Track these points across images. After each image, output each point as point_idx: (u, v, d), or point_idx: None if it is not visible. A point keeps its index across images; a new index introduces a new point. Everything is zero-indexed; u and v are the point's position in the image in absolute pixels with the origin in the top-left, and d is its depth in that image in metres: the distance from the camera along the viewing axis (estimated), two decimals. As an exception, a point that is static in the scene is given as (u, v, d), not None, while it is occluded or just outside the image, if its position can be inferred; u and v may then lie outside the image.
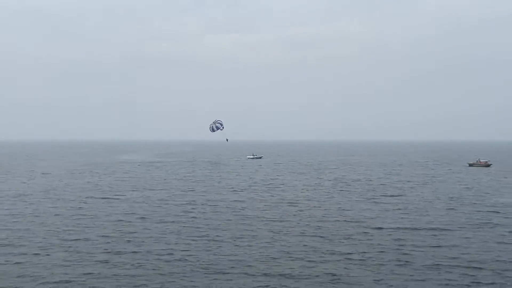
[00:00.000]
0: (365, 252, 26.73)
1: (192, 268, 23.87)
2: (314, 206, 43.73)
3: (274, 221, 36.40)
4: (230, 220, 36.80)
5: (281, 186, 62.60)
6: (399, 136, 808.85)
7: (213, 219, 36.94)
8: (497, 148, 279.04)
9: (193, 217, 38.04)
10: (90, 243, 28.95)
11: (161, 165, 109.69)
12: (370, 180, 70.63)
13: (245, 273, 23.02)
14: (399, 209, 42.06)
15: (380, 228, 33.35)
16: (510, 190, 57.80)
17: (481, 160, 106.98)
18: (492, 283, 21.56)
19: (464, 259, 25.39)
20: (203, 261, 25.00)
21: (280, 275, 22.73)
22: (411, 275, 22.65)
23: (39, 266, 24.23)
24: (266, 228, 33.71)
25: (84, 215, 38.89)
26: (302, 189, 58.85)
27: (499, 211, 40.72)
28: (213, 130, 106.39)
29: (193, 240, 29.88)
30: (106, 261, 24.99)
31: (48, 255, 26.35)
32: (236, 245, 28.46)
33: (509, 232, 32.26)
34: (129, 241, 29.58)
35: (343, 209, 41.89)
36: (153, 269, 23.63)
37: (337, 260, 25.17)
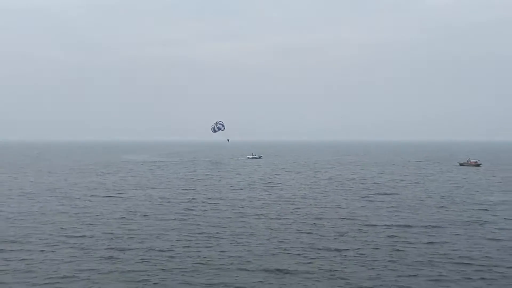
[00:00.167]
0: (359, 249, 26.72)
1: (193, 263, 23.82)
2: (310, 204, 43.71)
3: (272, 218, 36.37)
4: (230, 217, 36.77)
5: (279, 185, 62.56)
6: (397, 136, 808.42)
7: (213, 217, 36.90)
8: (490, 148, 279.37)
9: (194, 214, 38.00)
10: (95, 240, 28.89)
11: (163, 164, 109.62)
12: (365, 179, 70.64)
13: (244, 269, 22.99)
14: (392, 207, 42.06)
15: (374, 226, 33.34)
16: (499, 188, 57.86)
17: (471, 160, 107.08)
18: (482, 278, 21.57)
19: (455, 255, 25.39)
20: (204, 257, 24.97)
21: (278, 270, 22.71)
22: (403, 271, 22.64)
23: (45, 262, 24.17)
24: (264, 225, 33.68)
25: (89, 212, 38.83)
26: (299, 188, 58.82)
27: (488, 209, 40.74)
28: (214, 131, 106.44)
29: (194, 236, 29.84)
30: (110, 257, 24.94)
31: (54, 251, 26.30)
32: (236, 242, 28.42)
33: (498, 229, 32.28)
34: (132, 237, 29.53)
35: (339, 207, 41.87)
36: (155, 265, 23.59)
37: (333, 256, 25.15)
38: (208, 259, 24.69)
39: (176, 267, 23.30)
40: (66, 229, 32.21)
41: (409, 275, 21.98)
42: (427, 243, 28.12)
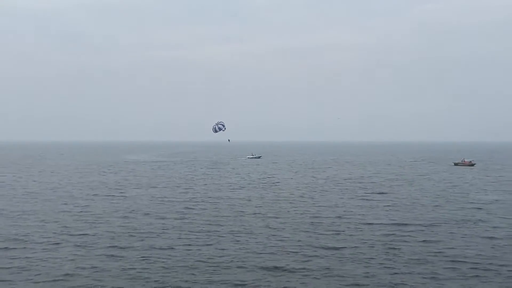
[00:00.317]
0: (356, 247, 26.70)
1: (194, 261, 23.79)
2: (308, 203, 43.69)
3: (270, 217, 36.33)
4: (229, 216, 36.73)
5: (277, 184, 62.56)
6: (395, 137, 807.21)
7: (213, 215, 36.85)
8: (484, 148, 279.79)
9: (194, 213, 37.96)
10: (97, 238, 28.84)
11: (164, 164, 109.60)
12: (361, 178, 70.67)
13: (243, 266, 22.97)
14: (388, 205, 42.06)
15: (370, 224, 33.33)
16: (492, 188, 57.90)
17: (465, 160, 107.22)
18: (476, 276, 21.55)
19: (450, 253, 25.37)
20: (204, 255, 24.93)
21: (276, 268, 22.68)
22: (399, 268, 22.63)
23: (49, 260, 24.12)
24: (262, 224, 33.65)
25: (91, 211, 38.77)
26: (297, 187, 58.80)
27: (482, 208, 40.75)
28: (215, 131, 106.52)
29: (194, 235, 29.80)
30: (112, 255, 24.89)
31: (57, 249, 26.25)
32: (235, 240, 28.39)
33: (492, 227, 32.28)
34: (133, 236, 29.48)
35: (335, 206, 41.85)
36: (156, 262, 23.54)
37: (330, 254, 25.12)
38: (208, 256, 24.65)
39: (176, 264, 23.26)
40: (68, 227, 32.15)
41: (405, 273, 21.96)
42: (422, 241, 28.10)
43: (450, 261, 23.88)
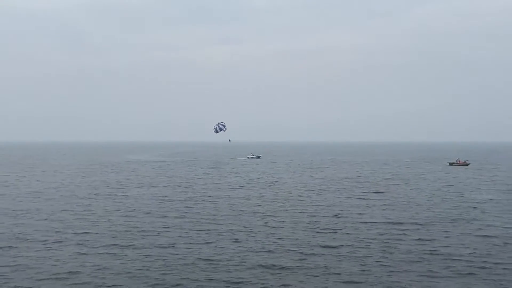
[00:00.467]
0: (353, 245, 26.72)
1: (194, 259, 23.79)
2: (306, 202, 43.71)
3: (269, 216, 36.34)
4: (229, 215, 36.74)
5: (276, 183, 62.58)
6: (395, 137, 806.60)
7: (213, 214, 36.85)
8: (483, 149, 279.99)
9: (194, 212, 37.95)
10: (99, 237, 28.83)
11: (165, 164, 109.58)
12: (358, 177, 70.70)
13: (242, 264, 22.97)
14: (384, 204, 42.09)
15: (367, 223, 33.35)
16: (486, 187, 57.96)
17: (460, 160, 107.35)
18: (470, 273, 21.58)
19: (444, 251, 25.40)
20: (204, 253, 24.94)
21: (274, 266, 22.70)
22: (395, 266, 22.64)
23: (52, 258, 24.11)
24: (261, 222, 33.66)
25: (93, 210, 38.77)
26: (295, 186, 58.82)
27: (476, 207, 40.79)
28: (216, 131, 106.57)
29: (194, 233, 29.81)
30: (114, 253, 24.90)
31: (60, 248, 26.23)
32: (234, 238, 28.40)
33: (486, 226, 32.32)
34: (135, 234, 29.48)
35: (333, 205, 41.87)
36: (157, 260, 23.55)
37: (327, 253, 25.14)
38: (208, 255, 24.66)
39: (177, 262, 23.27)
40: (71, 226, 32.14)
41: (400, 271, 21.98)
42: (418, 239, 28.13)
43: (445, 259, 23.90)
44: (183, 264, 22.96)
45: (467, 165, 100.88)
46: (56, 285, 20.16)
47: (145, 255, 24.53)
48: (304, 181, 65.38)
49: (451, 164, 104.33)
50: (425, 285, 20.10)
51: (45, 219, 34.71)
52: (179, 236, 28.95)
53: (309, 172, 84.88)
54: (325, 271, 22.02)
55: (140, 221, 33.89)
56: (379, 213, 37.49)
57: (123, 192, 51.76)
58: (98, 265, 22.77)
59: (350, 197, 47.38)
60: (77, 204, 42.15)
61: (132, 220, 34.49)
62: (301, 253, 25.12)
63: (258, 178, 70.14)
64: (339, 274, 21.58)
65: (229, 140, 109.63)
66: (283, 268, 22.47)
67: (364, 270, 22.03)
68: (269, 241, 27.86)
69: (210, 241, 27.80)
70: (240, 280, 20.72)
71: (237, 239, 28.34)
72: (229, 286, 20.04)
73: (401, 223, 33.11)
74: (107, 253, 25.06)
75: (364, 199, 46.17)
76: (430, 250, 25.53)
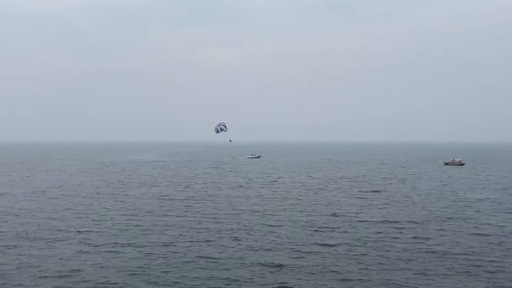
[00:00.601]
0: (350, 243, 26.72)
1: (194, 257, 23.78)
2: (304, 201, 43.71)
3: (268, 215, 36.34)
4: (229, 214, 36.73)
5: (275, 182, 62.57)
6: (395, 137, 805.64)
7: (213, 213, 36.85)
8: (483, 149, 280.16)
9: (194, 211, 37.94)
10: (101, 235, 28.81)
11: (166, 164, 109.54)
12: (356, 177, 70.71)
13: (242, 263, 22.97)
14: (381, 203, 42.11)
15: (364, 221, 33.36)
16: (481, 186, 58.00)
17: (455, 160, 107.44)
18: (466, 272, 21.58)
19: (439, 249, 25.41)
20: (204, 251, 24.93)
21: (273, 264, 22.69)
22: (391, 264, 22.64)
23: (55, 256, 24.09)
24: (260, 221, 33.65)
25: (95, 209, 38.75)
26: (293, 185, 58.82)
27: (471, 206, 40.82)
28: (217, 132, 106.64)
29: (195, 232, 29.80)
30: (116, 252, 24.87)
31: (62, 246, 26.20)
32: (234, 237, 28.39)
33: (481, 224, 32.34)
34: (136, 233, 29.45)
35: (330, 204, 41.88)
36: (158, 259, 23.53)
37: (325, 251, 25.14)
38: (208, 253, 24.66)
39: (178, 260, 23.26)
40: (73, 225, 32.12)
41: (396, 269, 21.98)
42: (413, 238, 28.14)
43: (440, 257, 23.91)
44: (183, 262, 22.96)
45: (462, 164, 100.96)
46: (59, 282, 20.13)
47: (146, 253, 24.52)
48: (303, 181, 65.38)
49: (446, 164, 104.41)
50: (421, 283, 20.10)
51: (48, 218, 34.68)
52: (180, 235, 28.94)
53: (308, 171, 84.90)
54: (323, 269, 22.02)
55: (141, 220, 33.88)
56: (376, 212, 37.50)
57: (124, 191, 51.74)
58: (99, 263, 22.75)
59: (347, 196, 47.39)
60: (79, 203, 42.12)
61: (133, 218, 34.47)
62: (299, 251, 25.12)
63: (258, 178, 70.13)
64: (336, 272, 21.58)
65: (230, 140, 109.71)
66: (281, 266, 22.47)
67: (361, 269, 22.03)
68: (268, 239, 27.87)
69: (210, 239, 27.79)
70: (239, 278, 20.71)
71: (236, 237, 28.34)
72: (229, 284, 20.04)
73: (397, 222, 33.12)
74: (109, 251, 25.04)
75: (361, 198, 46.19)
76: (426, 248, 25.53)
